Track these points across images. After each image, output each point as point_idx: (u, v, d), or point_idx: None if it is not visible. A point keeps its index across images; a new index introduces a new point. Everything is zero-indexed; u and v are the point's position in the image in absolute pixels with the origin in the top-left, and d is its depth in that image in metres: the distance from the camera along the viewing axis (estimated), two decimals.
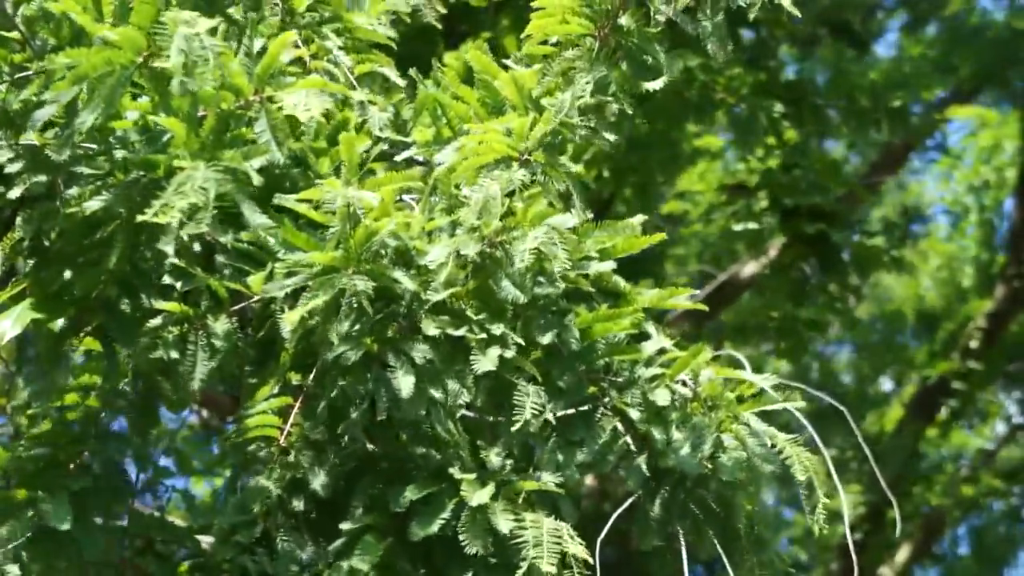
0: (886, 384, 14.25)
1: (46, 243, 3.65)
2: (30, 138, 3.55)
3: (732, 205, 9.72)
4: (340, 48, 4.05)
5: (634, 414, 3.67)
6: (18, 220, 3.69)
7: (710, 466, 3.65)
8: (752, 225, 9.39)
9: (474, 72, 3.93)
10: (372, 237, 3.47)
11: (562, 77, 3.78)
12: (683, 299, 3.90)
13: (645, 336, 3.80)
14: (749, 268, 10.07)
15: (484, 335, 3.53)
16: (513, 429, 3.51)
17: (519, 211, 3.55)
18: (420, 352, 3.49)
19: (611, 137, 3.75)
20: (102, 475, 3.72)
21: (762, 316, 9.75)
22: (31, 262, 3.77)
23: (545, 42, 3.89)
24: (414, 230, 3.53)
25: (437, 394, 3.49)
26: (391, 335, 3.52)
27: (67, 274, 3.61)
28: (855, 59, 9.68)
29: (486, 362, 3.50)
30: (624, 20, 3.80)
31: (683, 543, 3.74)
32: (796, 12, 3.79)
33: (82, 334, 3.71)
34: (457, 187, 3.66)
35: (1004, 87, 11.52)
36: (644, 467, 3.66)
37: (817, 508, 3.72)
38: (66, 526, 3.55)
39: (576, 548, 3.42)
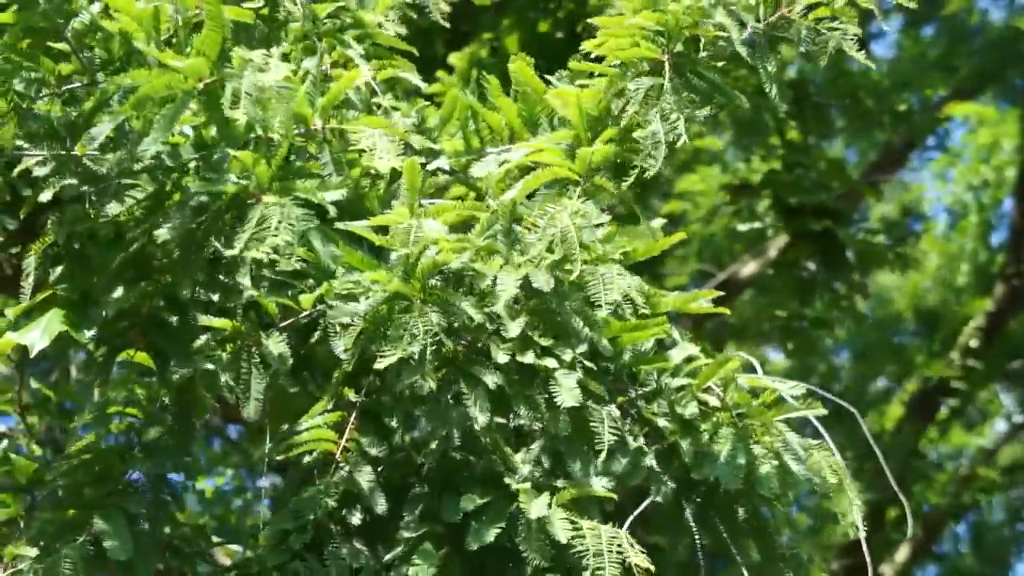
0: (886, 383, 14.26)
1: (76, 246, 3.65)
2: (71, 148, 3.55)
3: (735, 205, 9.73)
4: (362, 56, 4.06)
5: (662, 424, 3.67)
6: (49, 223, 3.68)
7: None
8: (756, 225, 9.39)
9: (513, 83, 3.92)
10: (439, 267, 3.47)
11: (641, 105, 3.75)
12: (706, 302, 3.91)
13: (671, 343, 3.81)
14: (749, 267, 10.08)
15: (554, 361, 3.52)
16: (600, 460, 3.51)
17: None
18: (491, 379, 3.49)
19: (659, 163, 3.75)
20: (152, 492, 3.69)
21: (766, 316, 9.75)
22: (58, 268, 3.77)
23: (588, 58, 3.85)
24: (465, 257, 3.53)
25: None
26: (456, 359, 3.52)
27: (118, 290, 3.60)
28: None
29: (569, 398, 3.48)
30: (682, 47, 3.78)
31: (699, 549, 3.74)
32: (870, 65, 3.84)
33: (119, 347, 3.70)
34: (519, 213, 3.65)
35: (1003, 86, 11.55)
36: (670, 479, 3.67)
37: (854, 511, 3.74)
38: (126, 556, 3.52)
39: (638, 557, 3.40)
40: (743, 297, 10.50)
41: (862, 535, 4.69)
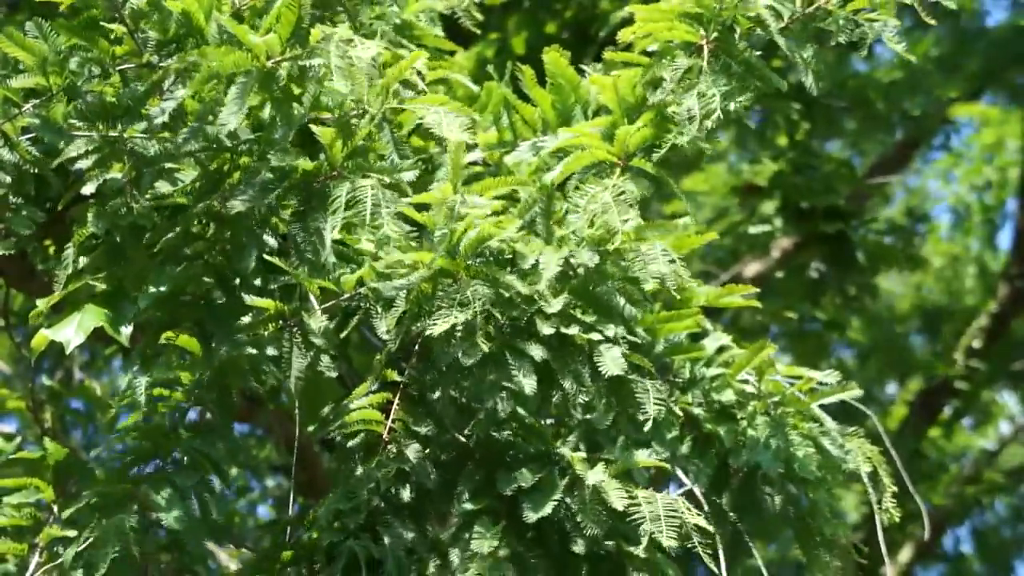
0: (890, 386, 14.26)
1: (117, 239, 3.65)
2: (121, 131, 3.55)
3: (745, 207, 9.72)
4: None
5: (698, 413, 3.70)
6: (90, 214, 3.67)
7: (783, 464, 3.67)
8: (766, 228, 9.38)
9: (547, 75, 3.93)
10: (484, 242, 3.48)
11: (678, 85, 3.76)
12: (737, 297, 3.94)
13: (703, 333, 3.83)
14: (752, 267, 10.07)
15: (597, 335, 3.52)
16: (646, 428, 3.51)
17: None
18: (537, 352, 3.50)
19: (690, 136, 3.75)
20: (199, 472, 3.68)
21: (778, 319, 9.74)
22: (85, 260, 3.77)
23: (626, 49, 3.86)
24: (510, 231, 3.54)
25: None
26: (501, 335, 3.53)
27: (159, 278, 3.59)
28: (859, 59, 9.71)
29: (613, 367, 3.49)
30: (719, 33, 3.78)
31: (717, 541, 3.76)
32: (912, 58, 3.87)
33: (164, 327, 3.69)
34: (560, 191, 3.66)
35: (1007, 86, 11.56)
36: (707, 467, 3.69)
37: (884, 499, 3.76)
38: (181, 526, 3.52)
39: (697, 519, 3.42)
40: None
41: (879, 528, 4.69)
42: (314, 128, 3.53)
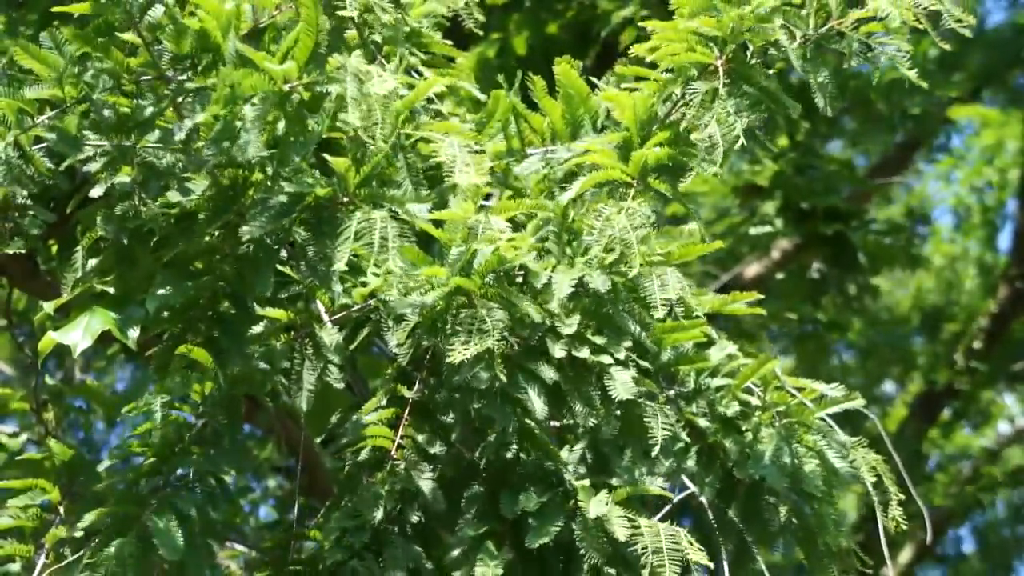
0: (888, 386, 14.27)
1: (125, 242, 3.65)
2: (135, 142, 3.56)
3: (745, 208, 9.72)
4: (424, 64, 4.09)
5: (703, 424, 3.69)
6: (99, 217, 3.67)
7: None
8: (767, 229, 9.38)
9: (557, 85, 3.93)
10: (501, 264, 3.48)
11: (688, 107, 3.76)
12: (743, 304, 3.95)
13: (709, 342, 3.82)
14: (753, 268, 10.07)
15: (608, 358, 3.52)
16: (654, 454, 3.52)
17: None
18: (548, 374, 3.50)
19: (718, 164, 3.75)
20: (205, 490, 3.64)
21: (777, 319, 9.74)
22: (93, 262, 3.77)
23: (632, 62, 3.86)
24: (523, 251, 3.55)
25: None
26: (513, 356, 3.53)
27: (167, 287, 3.59)
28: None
29: (624, 391, 3.49)
30: (733, 54, 3.77)
31: (724, 550, 3.76)
32: (923, 84, 3.87)
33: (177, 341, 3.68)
34: (573, 213, 3.66)
35: (1006, 87, 11.57)
36: (713, 479, 3.69)
37: (891, 506, 3.76)
38: (178, 556, 3.46)
39: (698, 555, 3.42)
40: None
41: (880, 530, 4.68)
42: (328, 157, 3.53)
